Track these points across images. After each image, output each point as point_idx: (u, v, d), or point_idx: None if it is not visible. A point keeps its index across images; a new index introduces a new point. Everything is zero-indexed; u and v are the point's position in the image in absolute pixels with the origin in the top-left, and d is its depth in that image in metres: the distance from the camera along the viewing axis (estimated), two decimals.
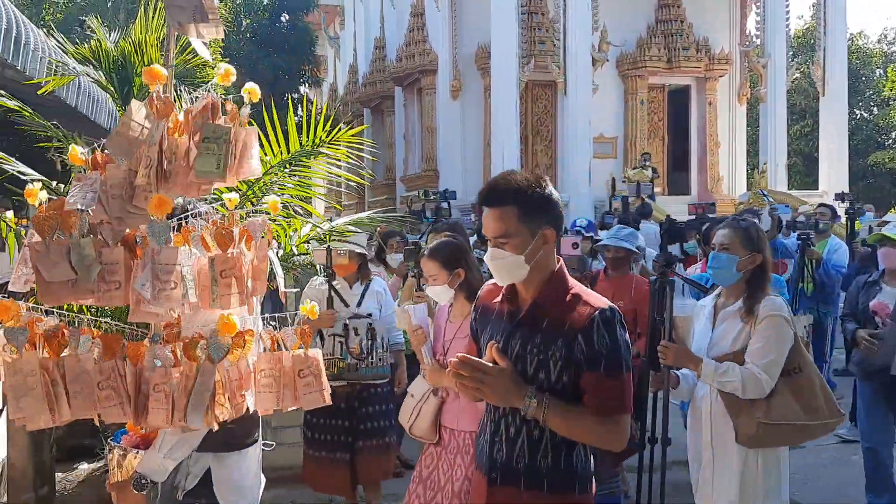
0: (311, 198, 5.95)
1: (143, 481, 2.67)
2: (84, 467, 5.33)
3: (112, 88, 4.97)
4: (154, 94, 2.53)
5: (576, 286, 2.20)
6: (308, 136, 4.72)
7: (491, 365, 2.09)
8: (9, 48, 5.29)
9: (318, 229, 5.00)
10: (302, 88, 23.67)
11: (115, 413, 2.55)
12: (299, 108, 4.80)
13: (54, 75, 5.47)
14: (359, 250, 4.78)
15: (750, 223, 3.47)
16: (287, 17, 22.34)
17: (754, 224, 3.48)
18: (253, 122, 2.70)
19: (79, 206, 2.47)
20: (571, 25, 15.93)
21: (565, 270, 2.23)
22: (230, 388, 2.57)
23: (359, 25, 24.57)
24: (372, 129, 21.88)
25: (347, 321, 4.44)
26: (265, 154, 4.76)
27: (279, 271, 3.11)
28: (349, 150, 4.84)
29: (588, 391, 2.09)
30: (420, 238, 7.09)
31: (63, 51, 5.59)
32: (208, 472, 2.92)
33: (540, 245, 2.15)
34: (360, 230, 5.00)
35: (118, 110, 5.24)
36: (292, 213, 5.06)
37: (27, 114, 4.80)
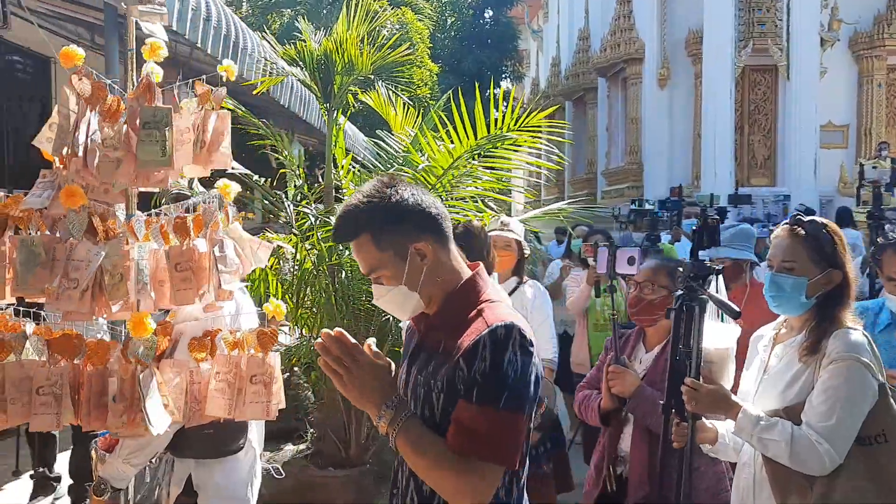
0: (509, 191, 5.79)
1: (102, 486, 2.55)
2: (289, 448, 5.62)
3: (315, 87, 5.12)
4: (71, 78, 2.33)
5: (487, 301, 1.74)
6: (496, 123, 4.56)
7: (368, 354, 1.70)
8: (227, 51, 5.63)
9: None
10: (504, 84, 23.77)
11: (48, 422, 2.33)
12: (498, 104, 4.63)
13: (267, 76, 5.75)
14: (513, 236, 4.04)
15: (817, 226, 2.39)
16: (491, 13, 22.54)
17: (823, 228, 2.39)
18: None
19: (36, 208, 2.36)
20: (797, 3, 14.55)
21: (477, 281, 1.79)
22: (191, 392, 2.39)
23: (562, 17, 24.23)
24: (573, 123, 21.46)
25: None
26: (452, 143, 4.67)
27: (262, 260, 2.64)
28: (542, 139, 4.62)
29: (453, 422, 1.64)
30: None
31: (275, 52, 5.87)
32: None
33: (418, 263, 1.73)
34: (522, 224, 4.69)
35: (321, 108, 5.40)
36: (482, 205, 4.93)
37: (241, 112, 5.07)
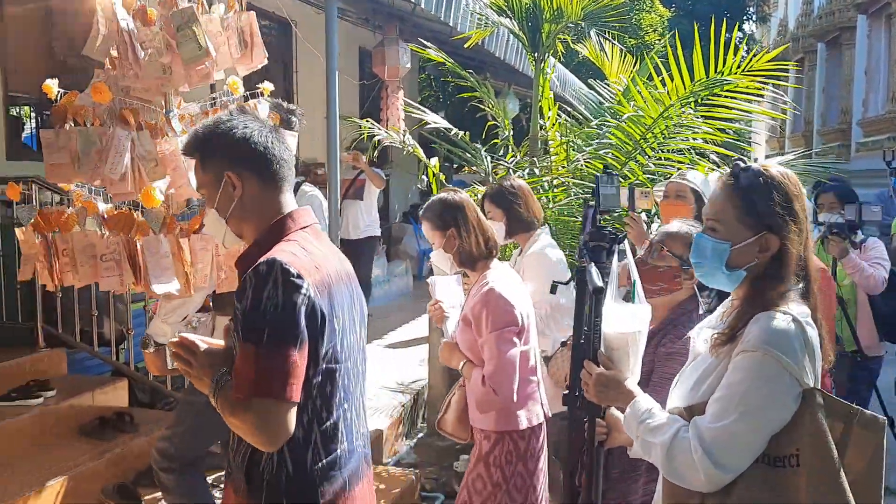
0: (748, 142, 5.32)
1: (146, 341, 2.87)
2: None
3: (523, 36, 5.04)
4: None
5: (286, 240, 1.75)
6: (715, 68, 4.18)
7: (204, 346, 1.76)
8: (441, 6, 5.71)
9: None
10: (746, 26, 21.88)
11: (114, 283, 2.81)
12: (737, 49, 4.22)
13: (480, 28, 5.76)
14: (687, 183, 3.59)
15: (753, 175, 1.81)
16: None
17: (760, 177, 1.80)
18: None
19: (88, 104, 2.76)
20: None
21: (286, 222, 1.80)
22: (216, 263, 2.76)
23: None
24: (826, 67, 19.28)
25: None
26: (669, 96, 4.37)
27: None
28: (767, 85, 4.17)
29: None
30: None
31: (484, 3, 5.85)
32: None
33: (229, 193, 1.79)
34: None
35: (529, 58, 5.31)
36: (692, 159, 4.59)
37: (449, 65, 5.14)
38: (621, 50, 5.63)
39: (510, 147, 5.29)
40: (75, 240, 2.84)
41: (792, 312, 1.72)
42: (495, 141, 5.54)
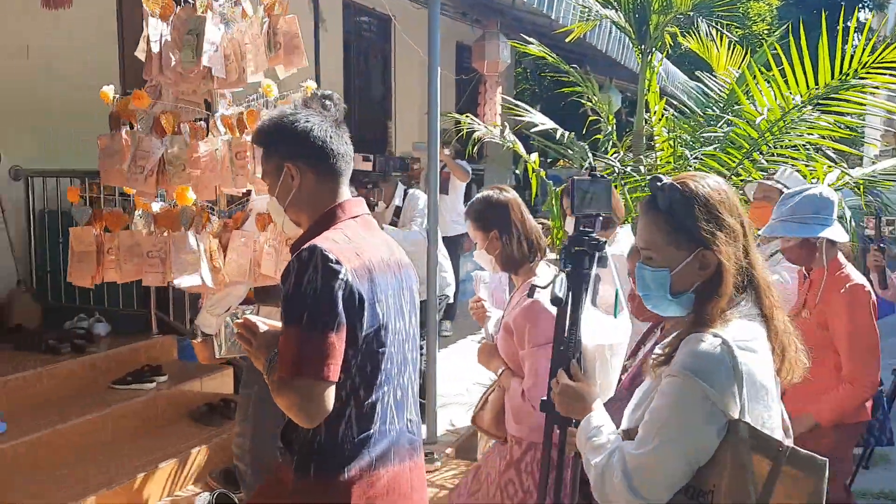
0: (851, 137, 5.04)
1: (194, 331, 3.06)
2: None
3: (629, 28, 4.90)
4: None
5: (333, 229, 1.83)
6: (842, 66, 3.95)
7: (265, 328, 1.84)
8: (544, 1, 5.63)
9: (848, 176, 4.20)
10: (862, 14, 20.68)
11: (157, 279, 2.96)
12: (849, 39, 3.99)
13: (583, 21, 5.64)
14: (773, 184, 3.46)
15: (670, 191, 1.67)
16: None
17: (677, 193, 1.67)
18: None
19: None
20: None
21: (336, 212, 1.88)
22: (254, 257, 2.93)
23: None
24: None
25: None
26: (787, 89, 4.16)
27: None
28: None
29: None
30: None
31: None
32: None
33: (288, 183, 1.89)
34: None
35: (635, 51, 5.16)
36: (810, 155, 4.35)
37: (551, 59, 5.06)
38: (730, 41, 5.41)
39: (613, 143, 5.16)
40: (121, 238, 3.02)
41: (722, 335, 1.56)
42: (597, 137, 5.42)
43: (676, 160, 4.62)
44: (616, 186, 4.58)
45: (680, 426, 1.54)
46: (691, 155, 4.53)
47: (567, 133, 4.87)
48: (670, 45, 5.21)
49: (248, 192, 3.14)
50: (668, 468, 1.55)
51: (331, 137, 1.89)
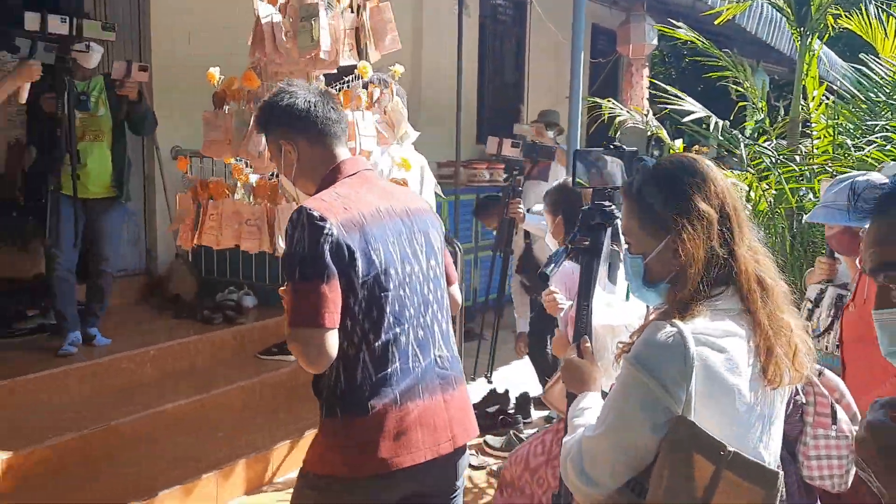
0: None
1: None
2: None
3: (788, 10, 4.63)
4: None
5: (329, 188, 1.97)
6: None
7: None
8: None
9: None
10: None
11: (253, 245, 3.23)
12: None
13: (733, 3, 5.38)
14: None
15: (643, 176, 1.61)
16: None
17: (651, 176, 1.59)
18: None
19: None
20: None
21: (335, 174, 2.01)
22: None
23: None
24: None
25: None
26: None
27: None
28: None
29: None
30: None
31: None
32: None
33: (290, 159, 2.03)
34: None
35: (792, 32, 4.87)
36: None
37: (700, 44, 4.86)
38: None
39: (763, 129, 4.91)
40: (224, 206, 3.28)
41: (679, 326, 1.45)
42: (747, 124, 5.17)
43: (836, 149, 4.34)
44: (770, 175, 4.36)
45: (620, 415, 1.50)
46: (853, 144, 4.25)
47: (720, 122, 4.67)
48: (832, 27, 4.88)
49: None
50: (610, 456, 1.51)
51: (314, 105, 2.01)
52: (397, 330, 1.91)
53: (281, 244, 3.15)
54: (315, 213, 1.83)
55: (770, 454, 1.54)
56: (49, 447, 3.47)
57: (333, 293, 1.80)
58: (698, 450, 1.42)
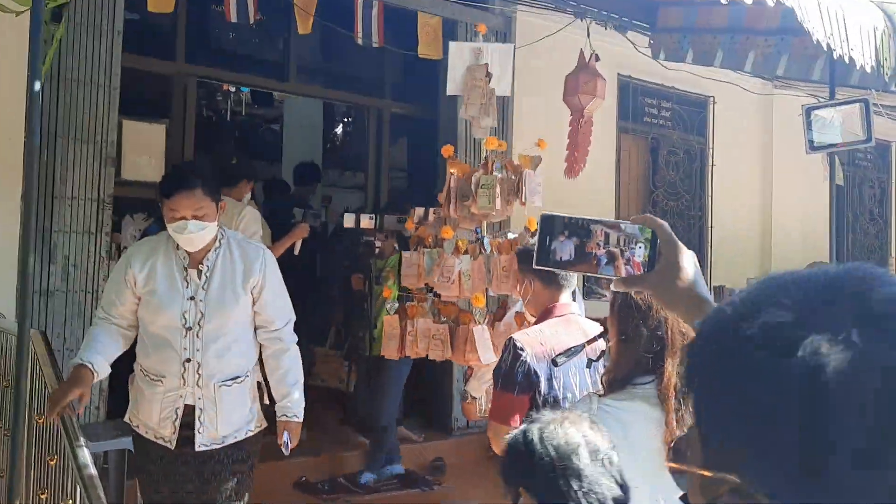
0: None
1: (465, 395, 3.88)
2: None
3: None
4: (449, 161, 4.10)
5: (543, 322, 2.70)
6: None
7: None
8: None
9: None
10: None
11: (438, 354, 3.92)
12: None
13: None
14: None
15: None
16: None
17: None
18: None
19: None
20: None
21: (549, 313, 2.70)
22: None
23: None
24: None
25: None
26: None
27: None
28: None
29: None
30: None
31: None
32: None
33: (528, 290, 2.85)
34: None
35: None
36: None
37: None
38: None
39: None
40: (419, 324, 4.09)
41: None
42: None
43: None
44: None
45: None
46: None
47: None
48: None
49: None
50: None
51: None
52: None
53: (483, 355, 3.81)
54: (518, 343, 2.48)
55: None
56: None
57: (520, 404, 2.39)
58: None
